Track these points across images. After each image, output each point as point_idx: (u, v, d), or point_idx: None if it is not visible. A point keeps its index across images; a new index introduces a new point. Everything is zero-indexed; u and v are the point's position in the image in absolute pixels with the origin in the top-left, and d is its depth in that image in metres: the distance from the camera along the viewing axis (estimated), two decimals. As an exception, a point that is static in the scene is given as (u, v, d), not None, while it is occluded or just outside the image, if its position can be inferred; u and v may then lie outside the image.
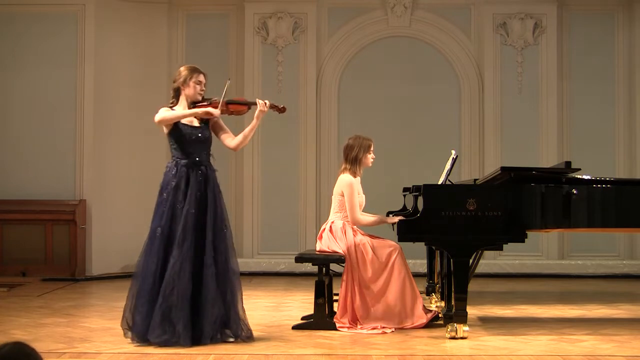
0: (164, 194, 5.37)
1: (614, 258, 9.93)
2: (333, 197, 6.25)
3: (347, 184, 6.13)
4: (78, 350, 5.11)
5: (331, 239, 6.07)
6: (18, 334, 5.62)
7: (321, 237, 6.17)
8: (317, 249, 6.16)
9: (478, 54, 10.12)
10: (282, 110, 5.80)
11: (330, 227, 6.14)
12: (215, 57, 9.83)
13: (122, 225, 9.87)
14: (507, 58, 10.03)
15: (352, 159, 6.21)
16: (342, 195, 6.15)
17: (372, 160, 6.29)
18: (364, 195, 6.27)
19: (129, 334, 5.29)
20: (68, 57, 9.75)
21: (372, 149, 6.27)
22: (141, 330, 5.22)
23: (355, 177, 6.20)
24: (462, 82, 10.11)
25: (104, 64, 9.85)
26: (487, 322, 6.23)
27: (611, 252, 9.96)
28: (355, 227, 6.15)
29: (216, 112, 5.43)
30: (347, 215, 6.13)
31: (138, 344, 5.21)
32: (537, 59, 10.02)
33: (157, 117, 5.40)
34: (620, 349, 5.19)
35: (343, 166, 6.27)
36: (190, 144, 5.42)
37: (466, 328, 5.50)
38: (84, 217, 9.57)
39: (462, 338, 5.45)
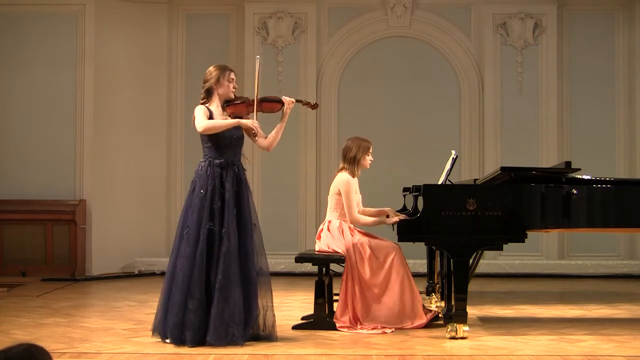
0: (201, 193, 5.34)
1: (614, 258, 9.92)
2: (329, 196, 6.25)
3: (344, 182, 6.13)
4: (78, 350, 5.11)
5: (330, 238, 6.07)
6: (18, 334, 5.62)
7: (319, 236, 6.18)
8: (317, 249, 6.17)
9: (478, 54, 10.12)
10: (314, 106, 5.88)
11: (328, 226, 6.15)
12: (215, 57, 9.73)
13: (122, 225, 9.88)
14: (507, 58, 10.03)
15: (351, 159, 6.20)
16: (339, 194, 6.15)
17: (370, 162, 6.29)
18: (360, 195, 6.27)
19: (167, 336, 5.27)
20: (68, 57, 9.75)
21: (370, 150, 6.27)
22: (175, 331, 5.21)
23: (353, 177, 6.19)
24: (462, 82, 10.11)
25: (104, 64, 9.85)
26: (487, 322, 6.23)
27: (611, 252, 9.95)
28: (352, 226, 6.15)
29: (256, 126, 5.41)
30: (344, 214, 6.14)
31: (175, 345, 5.19)
32: (537, 59, 10.01)
33: (199, 125, 5.32)
34: (620, 349, 5.19)
35: (341, 165, 6.27)
36: (226, 144, 5.41)
37: (466, 328, 5.50)
38: (84, 217, 9.58)
39: (462, 338, 5.45)
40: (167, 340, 5.26)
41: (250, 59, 9.96)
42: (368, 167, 6.31)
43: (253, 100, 5.52)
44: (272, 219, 9.69)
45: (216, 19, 10.30)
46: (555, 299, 8.08)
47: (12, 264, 9.41)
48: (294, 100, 5.67)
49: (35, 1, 9.73)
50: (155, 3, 10.20)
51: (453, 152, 6.68)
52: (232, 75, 5.56)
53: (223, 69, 5.54)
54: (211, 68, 5.57)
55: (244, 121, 5.44)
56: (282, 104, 5.64)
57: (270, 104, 5.63)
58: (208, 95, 5.52)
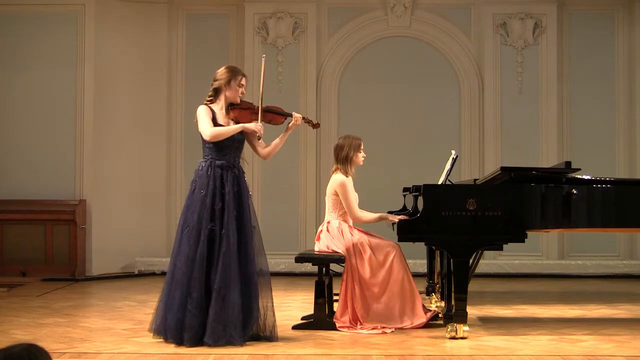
0: (201, 193, 5.33)
1: (614, 258, 9.92)
2: (326, 197, 6.26)
3: (339, 183, 6.13)
4: (78, 350, 5.11)
5: (329, 239, 6.07)
6: (18, 334, 5.62)
7: (319, 238, 6.18)
8: (316, 249, 6.16)
9: (478, 54, 10.12)
10: (316, 125, 5.88)
11: (327, 227, 6.15)
12: (215, 57, 9.82)
13: (122, 225, 9.87)
14: (507, 58, 10.03)
15: (343, 158, 6.22)
16: (336, 195, 6.15)
17: (363, 158, 6.30)
18: (356, 194, 6.27)
19: (167, 336, 5.26)
20: (68, 57, 9.74)
21: (362, 147, 6.28)
22: (175, 330, 5.21)
23: (347, 176, 6.20)
24: (462, 82, 10.11)
25: (104, 64, 9.85)
26: (487, 322, 6.23)
27: (611, 252, 9.95)
28: (352, 225, 6.16)
29: (260, 129, 5.42)
30: (343, 214, 6.14)
31: (175, 345, 5.18)
32: (537, 59, 10.01)
33: (209, 134, 5.32)
34: (620, 349, 5.19)
35: (334, 166, 6.28)
36: (227, 146, 5.41)
37: (466, 328, 5.50)
38: (84, 217, 9.57)
39: (462, 338, 5.45)
40: (169, 340, 5.24)
41: (250, 59, 9.96)
42: (361, 163, 6.32)
43: (258, 108, 5.51)
44: (272, 219, 9.70)
45: (216, 19, 10.30)
46: (555, 299, 8.08)
47: (12, 264, 9.40)
48: (301, 118, 5.66)
49: (35, 1, 9.73)
50: (155, 3, 10.20)
51: (453, 152, 6.68)
52: (243, 81, 5.54)
53: (235, 73, 5.52)
54: (224, 68, 5.55)
55: (248, 125, 5.44)
56: (286, 117, 5.63)
57: (273, 115, 5.62)
58: (215, 94, 5.52)
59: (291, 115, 5.67)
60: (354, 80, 10.15)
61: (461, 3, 10.18)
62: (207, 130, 5.36)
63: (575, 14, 10.18)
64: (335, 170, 6.25)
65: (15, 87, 9.79)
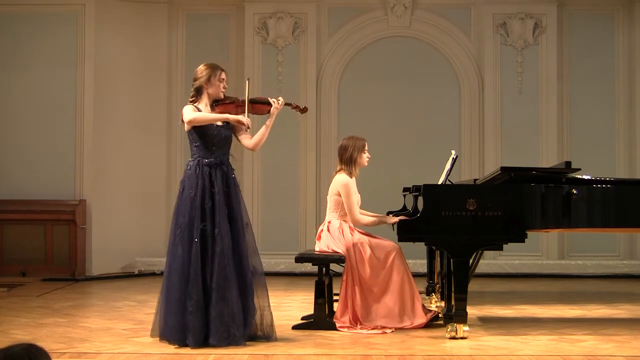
0: (191, 193, 5.33)
1: (614, 258, 9.92)
2: (328, 197, 6.26)
3: (343, 184, 6.13)
4: (78, 350, 5.11)
5: (329, 239, 6.07)
6: (18, 334, 5.62)
7: (319, 237, 6.17)
8: (316, 249, 6.16)
9: (478, 54, 10.12)
10: (303, 110, 5.85)
11: (328, 227, 6.15)
12: (215, 57, 9.68)
13: (122, 225, 9.87)
14: (507, 58, 10.03)
15: (347, 159, 6.21)
16: (338, 195, 6.15)
17: (367, 159, 6.29)
18: (359, 195, 6.27)
19: (168, 339, 5.24)
20: (68, 57, 9.74)
21: (366, 148, 6.27)
22: (177, 332, 5.18)
23: (351, 177, 6.20)
24: (462, 82, 10.11)
25: (104, 64, 9.85)
26: (487, 322, 6.23)
27: (611, 252, 9.95)
28: (352, 226, 6.15)
29: (247, 121, 5.36)
30: (344, 214, 6.14)
31: (177, 347, 5.16)
32: (537, 59, 10.01)
33: (187, 116, 5.31)
34: (620, 349, 5.19)
35: (338, 167, 6.27)
36: (214, 143, 5.38)
37: (466, 328, 5.50)
38: (84, 217, 9.57)
39: (462, 338, 5.45)
40: (172, 343, 5.22)
41: (250, 59, 9.97)
42: (366, 164, 6.32)
43: (242, 101, 5.49)
44: (272, 219, 9.71)
45: (216, 19, 10.30)
46: (555, 299, 8.08)
47: (12, 264, 9.40)
48: (282, 102, 5.62)
49: (35, 1, 9.73)
50: (155, 3, 10.20)
51: (453, 152, 6.68)
52: (223, 75, 5.52)
53: (214, 68, 5.50)
54: (202, 67, 5.53)
55: (232, 116, 5.39)
56: (271, 105, 5.61)
57: (259, 106, 5.60)
58: (198, 93, 5.50)
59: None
60: (354, 80, 10.15)
61: (461, 3, 10.19)
62: (189, 115, 5.31)
63: (575, 14, 10.18)
64: (340, 170, 6.24)
65: (15, 87, 9.80)
